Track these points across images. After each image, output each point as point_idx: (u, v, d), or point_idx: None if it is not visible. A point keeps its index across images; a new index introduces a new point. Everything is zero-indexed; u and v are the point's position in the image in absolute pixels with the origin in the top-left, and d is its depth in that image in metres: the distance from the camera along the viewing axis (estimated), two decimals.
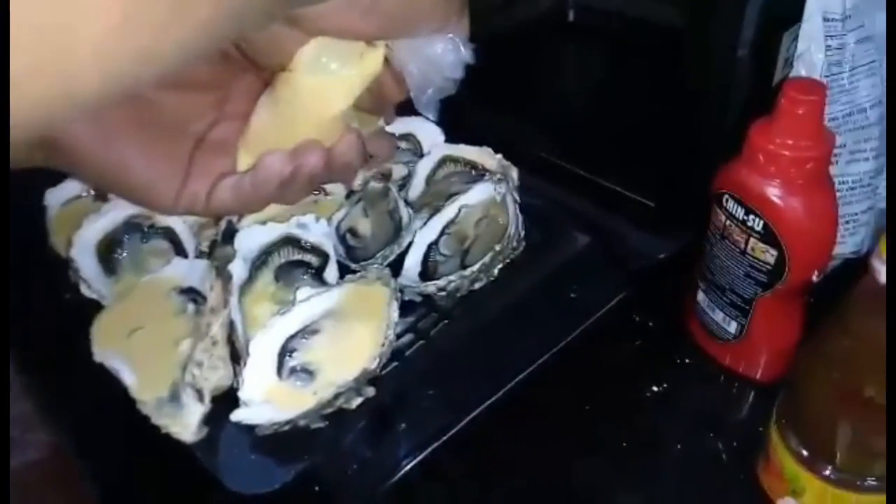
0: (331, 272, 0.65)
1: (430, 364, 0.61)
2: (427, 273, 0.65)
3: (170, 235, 0.68)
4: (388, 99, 0.43)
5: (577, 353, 0.61)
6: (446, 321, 0.64)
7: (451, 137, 0.76)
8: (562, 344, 0.61)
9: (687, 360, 0.63)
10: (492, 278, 0.66)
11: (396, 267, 0.65)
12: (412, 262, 0.65)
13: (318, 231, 0.65)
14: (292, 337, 0.58)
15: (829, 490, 0.47)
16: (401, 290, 0.62)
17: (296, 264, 0.65)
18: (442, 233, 0.66)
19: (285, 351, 0.57)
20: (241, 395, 0.55)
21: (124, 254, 0.68)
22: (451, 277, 0.63)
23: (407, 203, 0.71)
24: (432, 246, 0.66)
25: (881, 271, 0.42)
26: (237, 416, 0.54)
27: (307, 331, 0.59)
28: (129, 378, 0.57)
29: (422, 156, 0.75)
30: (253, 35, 0.39)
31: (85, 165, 0.39)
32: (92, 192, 0.73)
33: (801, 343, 0.54)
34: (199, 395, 0.56)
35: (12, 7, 0.22)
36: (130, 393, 0.57)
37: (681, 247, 0.67)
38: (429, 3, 0.39)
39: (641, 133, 0.75)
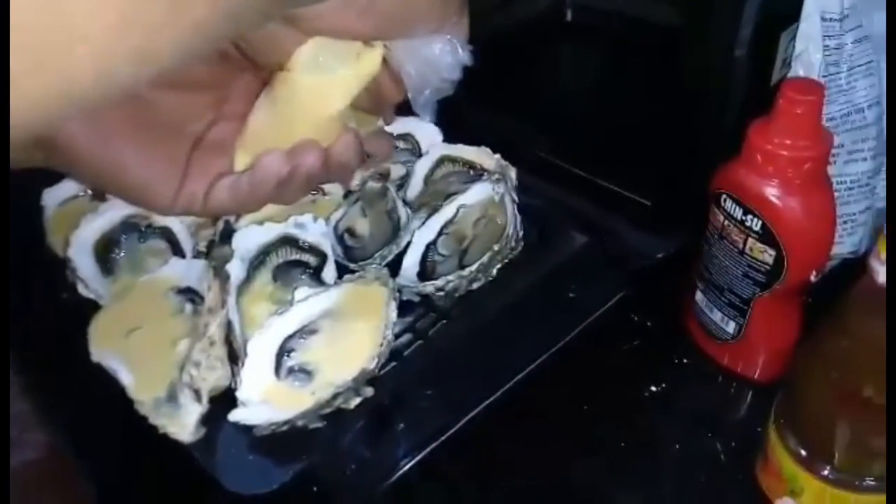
0: (329, 272, 0.65)
1: (428, 364, 0.61)
2: (425, 273, 0.65)
3: (167, 235, 0.68)
4: (386, 99, 0.43)
5: (575, 353, 0.61)
6: (445, 321, 0.64)
7: (450, 137, 0.76)
8: (560, 344, 0.61)
9: (685, 360, 0.63)
10: (490, 278, 0.66)
11: (395, 267, 0.65)
12: (410, 262, 0.65)
13: (316, 231, 0.65)
14: (290, 337, 0.58)
15: (828, 490, 0.48)
16: (399, 290, 0.62)
17: (294, 264, 0.65)
18: (440, 233, 0.66)
19: (283, 351, 0.57)
20: (239, 395, 0.55)
21: (122, 254, 0.68)
22: (450, 277, 0.63)
23: (405, 203, 0.70)
24: (430, 246, 0.66)
25: (879, 271, 0.42)
26: (235, 416, 0.54)
27: (305, 331, 0.58)
28: (126, 378, 0.57)
29: (420, 156, 0.75)
30: (251, 34, 0.39)
31: (83, 165, 0.39)
32: (89, 192, 0.73)
33: (799, 343, 0.54)
34: (197, 395, 0.56)
35: (11, 6, 0.22)
36: (128, 393, 0.57)
37: (679, 247, 0.67)
38: (426, 4, 0.38)
39: (640, 133, 0.75)
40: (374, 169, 0.71)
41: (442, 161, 0.74)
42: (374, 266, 0.65)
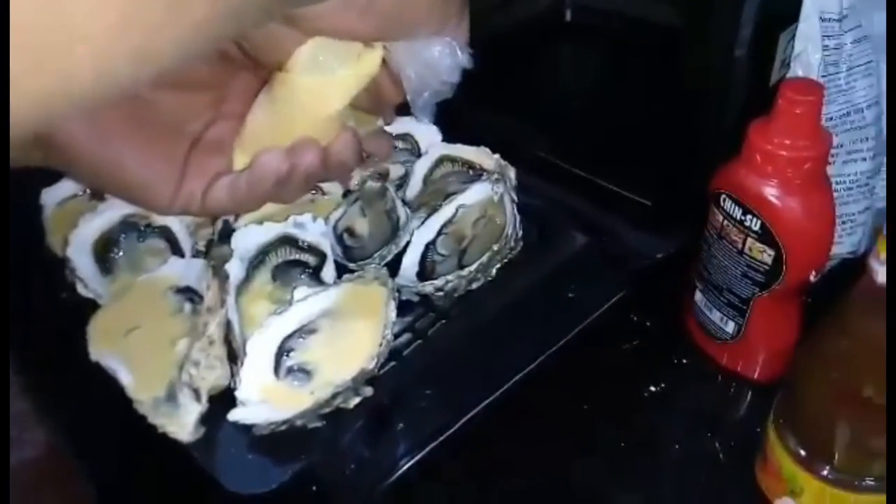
0: (328, 272, 0.65)
1: (427, 364, 0.61)
2: (425, 273, 0.65)
3: (166, 234, 0.68)
4: (385, 99, 0.43)
5: (574, 352, 0.61)
6: (444, 321, 0.64)
7: (449, 137, 0.75)
8: (559, 344, 0.61)
9: (685, 360, 0.63)
10: (489, 278, 0.66)
11: (394, 266, 0.65)
12: (410, 262, 0.65)
13: (315, 231, 0.65)
14: (289, 336, 0.58)
15: (828, 490, 0.47)
16: (398, 290, 0.62)
17: (293, 264, 0.64)
18: (439, 232, 0.66)
19: (282, 350, 0.57)
20: (239, 394, 0.55)
21: (121, 253, 0.68)
22: (449, 277, 0.63)
23: (404, 203, 0.70)
24: (430, 246, 0.66)
25: (879, 271, 0.42)
26: (234, 415, 0.54)
27: (304, 330, 0.58)
28: (125, 377, 0.57)
29: (419, 155, 0.75)
30: (252, 33, 0.39)
31: (81, 165, 0.39)
32: (88, 192, 0.72)
33: (798, 343, 0.54)
34: (196, 394, 0.56)
35: (11, 6, 0.22)
36: (127, 392, 0.56)
37: (678, 247, 0.67)
38: (426, 6, 0.38)
39: (639, 133, 0.75)
40: (373, 169, 0.71)
41: (441, 161, 0.73)
42: (373, 266, 0.65)
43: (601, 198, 0.73)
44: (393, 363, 0.60)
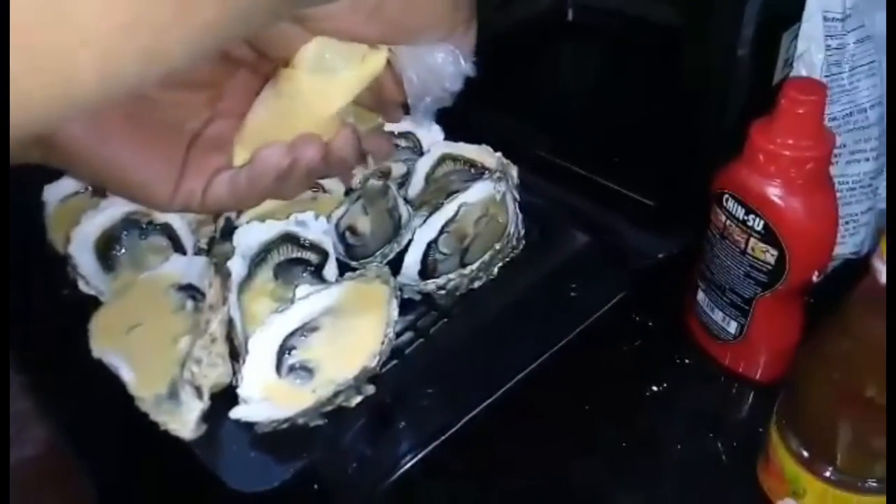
0: (330, 270, 0.65)
1: (429, 362, 0.61)
2: (426, 271, 0.65)
3: (168, 232, 0.68)
4: (387, 99, 0.43)
5: (576, 352, 0.61)
6: (446, 320, 0.64)
7: (451, 135, 0.75)
8: (561, 343, 0.61)
9: (687, 360, 0.63)
10: (491, 277, 0.66)
11: (396, 265, 0.65)
12: (412, 261, 0.65)
13: (317, 228, 0.65)
14: (291, 334, 0.58)
15: (830, 491, 0.47)
16: (400, 289, 0.62)
17: (295, 262, 0.64)
18: (441, 231, 0.66)
19: (284, 348, 0.57)
20: (240, 392, 0.55)
21: (123, 250, 0.67)
22: (451, 276, 0.63)
23: (406, 201, 0.70)
24: (432, 244, 0.66)
25: (882, 272, 0.42)
26: (236, 413, 0.54)
27: (306, 328, 0.58)
28: (127, 375, 0.57)
29: (421, 154, 0.75)
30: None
31: (80, 163, 0.39)
32: (90, 189, 0.72)
33: (801, 343, 0.54)
34: (198, 392, 0.56)
35: (18, 4, 0.22)
36: (129, 390, 0.56)
37: (681, 246, 0.67)
38: (433, 13, 0.39)
39: (641, 132, 0.75)
40: (375, 167, 0.71)
41: (443, 159, 0.73)
42: (375, 264, 0.65)
43: (603, 198, 0.73)
44: (395, 362, 0.60)
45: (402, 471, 0.55)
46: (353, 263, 0.66)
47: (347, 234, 0.69)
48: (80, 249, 0.66)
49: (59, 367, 0.64)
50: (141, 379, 0.57)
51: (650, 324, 0.65)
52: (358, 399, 0.57)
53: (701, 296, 0.61)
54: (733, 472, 0.55)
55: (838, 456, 0.46)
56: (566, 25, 0.97)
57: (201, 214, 0.69)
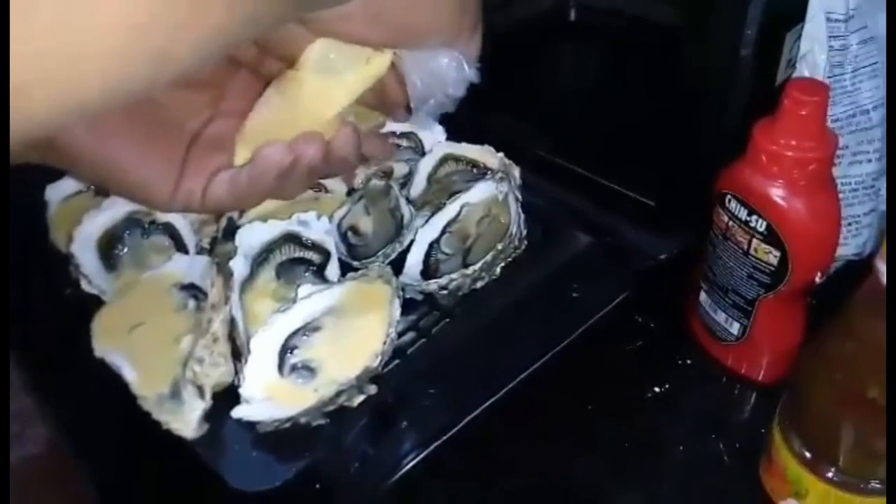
0: (332, 270, 0.64)
1: (431, 362, 0.61)
2: (429, 271, 0.65)
3: (170, 231, 0.68)
4: (390, 100, 0.43)
5: (578, 352, 0.61)
6: (448, 320, 0.64)
7: (453, 136, 0.75)
8: (563, 344, 0.61)
9: (689, 361, 0.63)
10: (493, 277, 0.66)
11: (398, 265, 0.65)
12: (414, 261, 0.65)
13: (319, 228, 0.65)
14: (293, 334, 0.58)
15: (833, 492, 0.47)
16: (402, 289, 0.61)
17: (297, 261, 0.64)
18: (443, 231, 0.66)
19: (286, 348, 0.57)
20: (242, 391, 0.55)
21: (125, 249, 0.67)
22: (453, 276, 0.63)
23: (408, 201, 0.70)
24: (434, 244, 0.66)
25: (885, 273, 0.42)
26: (238, 412, 0.54)
27: (308, 328, 0.58)
28: (129, 374, 0.57)
29: (423, 154, 0.75)
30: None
31: (81, 163, 0.39)
32: (92, 188, 0.72)
33: (803, 344, 0.54)
34: (200, 391, 0.56)
35: (34, 14, 0.22)
36: (131, 389, 0.56)
37: (683, 247, 0.67)
38: (438, 18, 0.39)
39: (643, 132, 0.75)
40: (377, 167, 0.71)
41: (445, 159, 0.73)
42: (377, 264, 0.65)
43: (605, 198, 0.72)
44: (397, 361, 0.60)
45: (404, 470, 0.55)
46: (356, 263, 0.66)
47: (349, 233, 0.69)
48: (83, 249, 0.66)
49: (61, 367, 0.64)
50: (143, 378, 0.57)
51: (652, 324, 0.65)
52: (360, 399, 0.57)
53: (703, 297, 0.61)
54: (735, 472, 0.55)
55: (841, 457, 0.46)
56: (568, 25, 0.97)
57: (202, 214, 0.69)
